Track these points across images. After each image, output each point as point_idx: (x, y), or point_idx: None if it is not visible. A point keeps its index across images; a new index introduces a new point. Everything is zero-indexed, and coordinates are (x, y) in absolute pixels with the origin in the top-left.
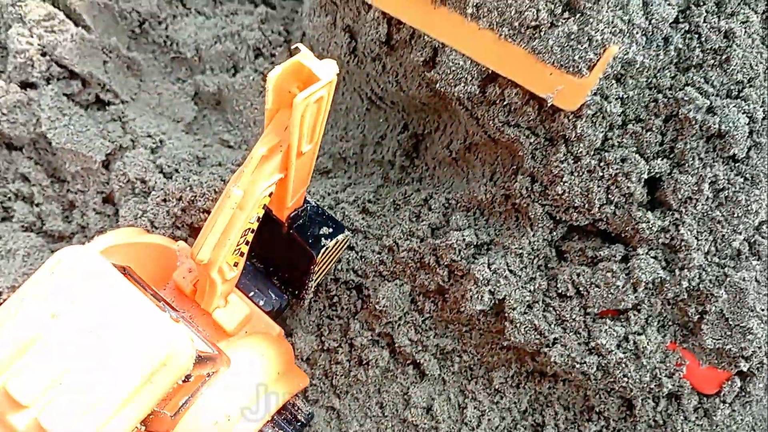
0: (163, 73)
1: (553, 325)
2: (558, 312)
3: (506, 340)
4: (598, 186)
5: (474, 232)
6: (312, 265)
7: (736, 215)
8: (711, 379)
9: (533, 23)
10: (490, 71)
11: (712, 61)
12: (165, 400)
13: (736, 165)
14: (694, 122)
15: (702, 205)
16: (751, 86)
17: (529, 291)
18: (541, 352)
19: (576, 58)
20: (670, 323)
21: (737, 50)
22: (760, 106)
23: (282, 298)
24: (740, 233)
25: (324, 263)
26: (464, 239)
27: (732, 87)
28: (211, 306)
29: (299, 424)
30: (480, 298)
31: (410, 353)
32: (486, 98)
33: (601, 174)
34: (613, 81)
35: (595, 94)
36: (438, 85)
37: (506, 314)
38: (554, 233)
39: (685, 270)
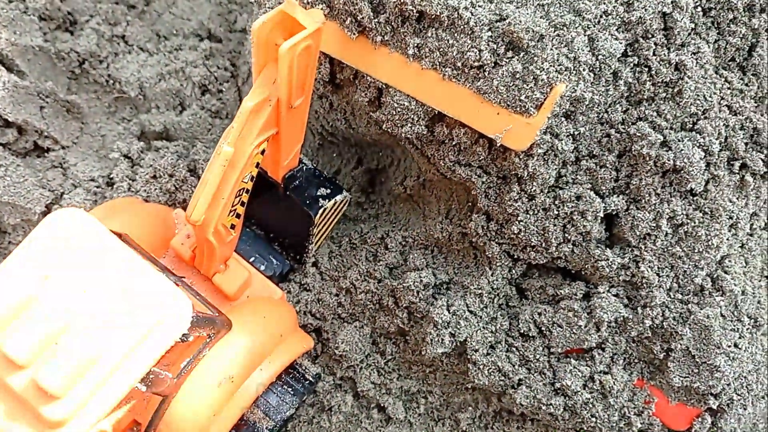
0: (106, 113)
1: (517, 366)
2: (521, 352)
3: (470, 382)
4: (554, 224)
5: (432, 272)
6: (310, 226)
7: (696, 250)
8: (681, 415)
9: (476, 63)
10: (437, 111)
11: (664, 94)
12: (166, 361)
13: (694, 199)
14: (648, 158)
15: (661, 241)
16: (705, 118)
17: (491, 331)
18: (507, 393)
19: (522, 97)
20: (636, 361)
21: (689, 82)
22: (716, 138)
23: (284, 264)
24: (702, 269)
25: (323, 225)
26: (421, 280)
27: (686, 120)
28: (210, 270)
29: (307, 383)
30: (440, 341)
31: (374, 396)
32: (435, 138)
33: (556, 212)
34: (563, 118)
35: (545, 132)
36: (384, 126)
37: (468, 356)
38: (513, 271)
39: (648, 308)
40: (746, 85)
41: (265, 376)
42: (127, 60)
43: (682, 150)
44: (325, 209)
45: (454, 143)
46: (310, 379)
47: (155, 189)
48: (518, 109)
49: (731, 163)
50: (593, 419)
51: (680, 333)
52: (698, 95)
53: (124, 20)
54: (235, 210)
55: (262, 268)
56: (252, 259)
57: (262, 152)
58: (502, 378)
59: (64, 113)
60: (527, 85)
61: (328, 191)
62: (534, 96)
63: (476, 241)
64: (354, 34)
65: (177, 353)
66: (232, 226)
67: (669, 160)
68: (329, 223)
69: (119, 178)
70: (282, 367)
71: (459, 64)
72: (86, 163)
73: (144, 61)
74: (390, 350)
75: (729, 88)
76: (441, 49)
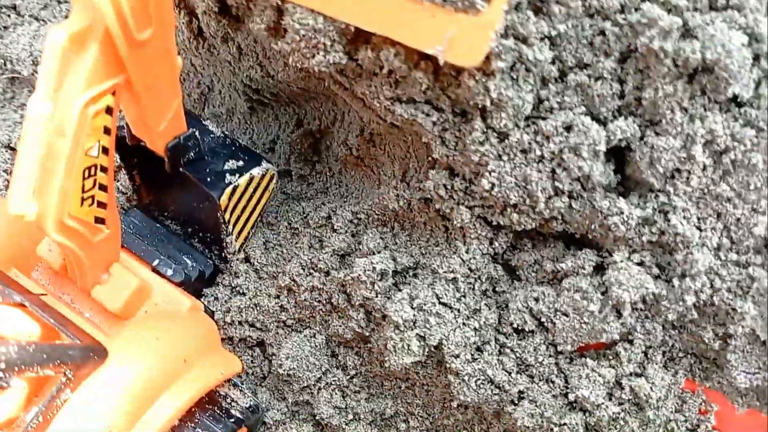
0: (1, 101)
1: (514, 374)
2: (518, 354)
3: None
4: (539, 171)
5: (390, 254)
6: (218, 212)
7: (752, 186)
8: (754, 427)
9: None
10: (353, 29)
11: None
12: None
13: (742, 111)
14: (663, 55)
15: (698, 178)
16: None
17: (474, 329)
18: (504, 411)
19: None
20: (680, 354)
21: None
22: (764, 14)
23: (204, 264)
24: (763, 213)
25: (244, 208)
26: (374, 267)
27: None
28: (86, 282)
29: (232, 420)
30: (406, 347)
31: (339, 425)
32: (362, 69)
33: (539, 153)
34: (530, 12)
35: (505, 35)
36: (291, 59)
37: (447, 364)
38: (496, 244)
39: (688, 278)
40: None
41: (163, 417)
42: (18, 33)
43: (713, 36)
44: (236, 188)
45: (385, 72)
46: (239, 414)
47: None
48: (460, 4)
49: None
50: None
51: (740, 310)
52: None
53: None
54: (92, 197)
55: (169, 272)
56: (156, 263)
57: (108, 111)
58: (496, 391)
59: None
60: None
61: (240, 164)
62: None
63: (441, 207)
64: None
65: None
66: (100, 221)
67: (695, 55)
68: (254, 204)
69: None
70: (191, 402)
71: None
72: None
73: (36, 32)
74: (352, 362)
75: None
76: None
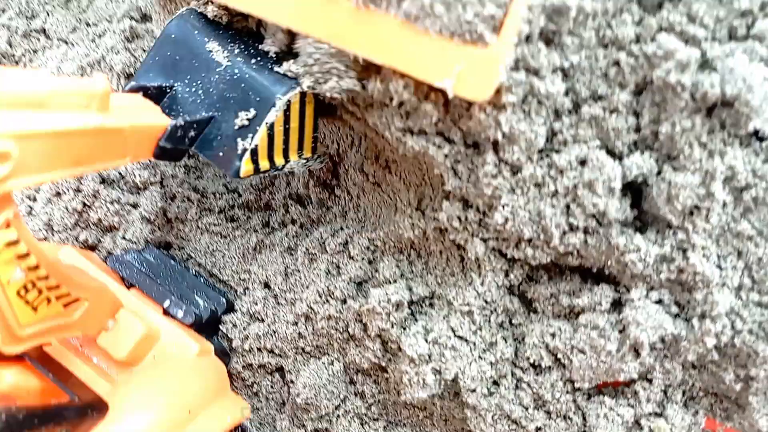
0: None
1: (531, 410)
2: (534, 390)
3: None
4: (553, 206)
5: (407, 284)
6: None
7: None
8: None
9: None
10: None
11: None
12: None
13: (763, 146)
14: (680, 88)
15: (718, 215)
16: (766, 15)
17: (490, 363)
18: None
19: (470, 17)
20: (701, 394)
21: None
22: None
23: (216, 302)
24: None
25: (283, 144)
26: (389, 299)
27: (735, 22)
28: (91, 331)
29: None
30: (422, 381)
31: None
32: (372, 98)
33: (553, 188)
34: (542, 44)
35: (515, 68)
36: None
37: (464, 398)
38: (511, 276)
39: (708, 319)
40: None
41: None
42: (47, 56)
43: (732, 70)
44: (255, 149)
45: (395, 103)
46: None
47: (58, 210)
48: (468, 36)
49: None
50: None
51: (762, 353)
52: None
53: (44, 11)
54: (47, 299)
55: (180, 314)
56: (167, 304)
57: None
58: (513, 426)
59: None
60: None
61: (252, 113)
62: (487, 12)
63: (455, 237)
64: None
65: None
66: (70, 303)
67: (714, 88)
68: (298, 129)
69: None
70: None
71: None
72: None
73: (64, 55)
74: (370, 391)
75: None
76: None
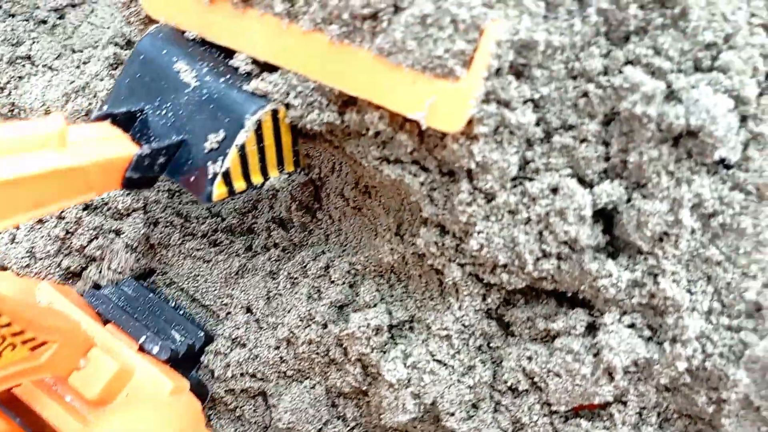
0: None
1: None
2: (513, 413)
3: None
4: (526, 233)
5: (386, 308)
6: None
7: (742, 251)
8: None
9: (367, 10)
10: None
11: (661, 20)
12: None
13: (729, 173)
14: (646, 120)
15: (687, 241)
16: (730, 48)
17: (469, 386)
18: None
19: (441, 52)
20: (674, 415)
21: None
22: (751, 76)
23: (194, 336)
24: (754, 277)
25: (259, 162)
26: (369, 324)
27: (699, 54)
28: (61, 371)
29: None
30: (401, 406)
31: None
32: (349, 129)
33: (526, 215)
34: (511, 77)
35: (486, 100)
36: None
37: (443, 422)
38: (488, 300)
39: (679, 343)
40: None
41: None
42: (31, 83)
43: (697, 101)
44: (227, 172)
45: (371, 133)
46: None
47: (41, 237)
48: (439, 70)
49: None
50: None
51: (732, 377)
52: (713, 14)
53: (29, 38)
54: (11, 344)
55: (155, 350)
56: (142, 339)
57: None
58: None
59: None
60: (444, 33)
61: (222, 135)
62: (457, 48)
63: (433, 262)
64: None
65: None
66: (37, 346)
67: (679, 120)
68: (273, 146)
69: None
70: None
71: (346, 16)
72: None
73: (48, 82)
74: (352, 414)
75: None
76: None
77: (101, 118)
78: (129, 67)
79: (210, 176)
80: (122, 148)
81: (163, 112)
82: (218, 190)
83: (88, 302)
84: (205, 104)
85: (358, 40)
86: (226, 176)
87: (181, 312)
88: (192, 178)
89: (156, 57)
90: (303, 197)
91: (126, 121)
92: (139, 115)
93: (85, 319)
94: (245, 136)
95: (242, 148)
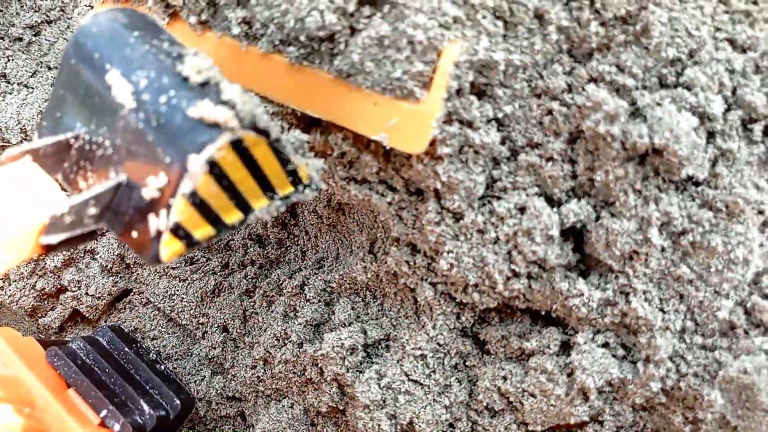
0: None
1: None
2: None
3: None
4: (495, 252)
5: (362, 327)
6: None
7: (713, 269)
8: None
9: (323, 32)
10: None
11: (623, 36)
12: None
13: (698, 190)
14: (610, 138)
15: (657, 260)
16: (695, 63)
17: (445, 406)
18: None
19: (399, 74)
20: None
21: (657, 11)
22: (716, 93)
23: (170, 404)
24: (726, 296)
25: (223, 202)
26: (343, 344)
27: (663, 71)
28: None
29: None
30: (377, 427)
31: None
32: (314, 150)
33: (494, 235)
34: (472, 97)
35: (448, 121)
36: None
37: None
38: (462, 318)
39: (652, 364)
40: (754, 2)
41: None
42: (7, 102)
43: (660, 120)
44: (177, 227)
45: (336, 153)
46: None
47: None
48: (399, 92)
49: (748, 126)
50: None
51: (707, 396)
52: (676, 29)
53: (3, 56)
54: None
55: (116, 428)
56: (103, 413)
57: None
58: None
59: None
60: (402, 54)
61: (164, 180)
62: (415, 70)
63: (405, 281)
64: (164, 18)
65: None
66: None
67: (642, 139)
68: (242, 179)
69: None
70: None
71: (303, 38)
72: None
73: (24, 100)
74: None
75: (726, 11)
76: (275, 21)
77: (15, 157)
78: (59, 77)
79: (153, 234)
80: (31, 205)
81: (100, 139)
82: (169, 248)
83: (50, 362)
84: (141, 135)
85: (317, 61)
86: (177, 230)
87: (162, 367)
88: (134, 234)
89: (88, 63)
90: (279, 214)
91: (58, 154)
92: (74, 142)
93: (37, 384)
94: (191, 183)
95: (194, 195)
